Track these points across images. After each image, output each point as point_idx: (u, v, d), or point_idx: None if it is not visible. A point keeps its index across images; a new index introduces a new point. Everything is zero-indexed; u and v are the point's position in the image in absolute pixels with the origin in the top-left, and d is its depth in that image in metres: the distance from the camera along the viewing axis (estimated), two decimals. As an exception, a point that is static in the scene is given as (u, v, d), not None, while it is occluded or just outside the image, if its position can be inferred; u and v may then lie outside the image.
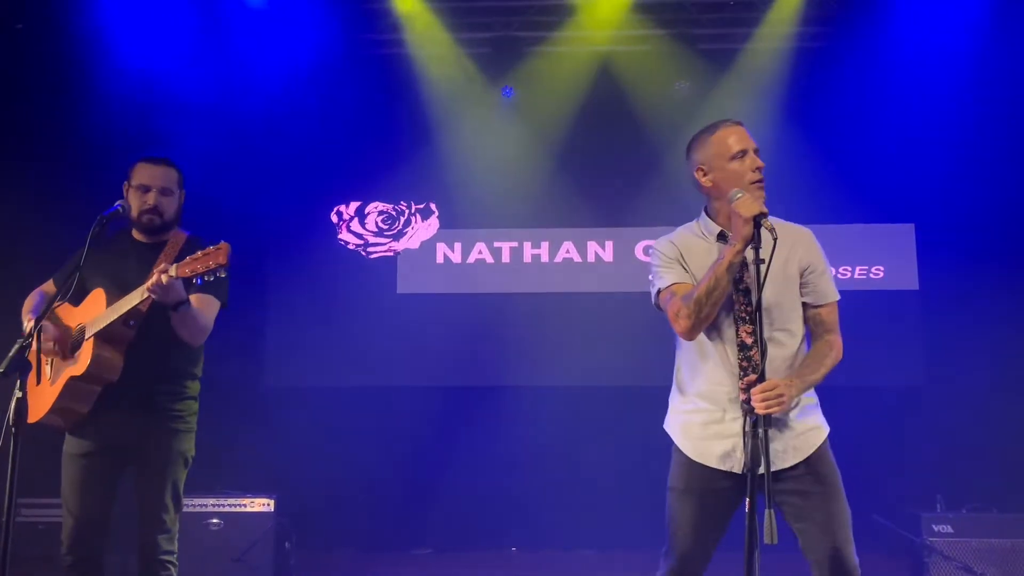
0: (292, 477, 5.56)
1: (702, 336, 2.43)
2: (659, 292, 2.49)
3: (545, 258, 6.41)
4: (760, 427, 2.17)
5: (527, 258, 6.42)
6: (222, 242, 2.66)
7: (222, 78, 5.92)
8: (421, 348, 6.17)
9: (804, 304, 2.50)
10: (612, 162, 6.25)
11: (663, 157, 5.97)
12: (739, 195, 2.32)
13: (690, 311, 2.35)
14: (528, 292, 6.33)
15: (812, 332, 2.52)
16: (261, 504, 5.05)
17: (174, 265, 2.71)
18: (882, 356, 5.94)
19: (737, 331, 2.40)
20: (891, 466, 5.53)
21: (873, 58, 5.80)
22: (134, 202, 2.99)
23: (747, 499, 2.17)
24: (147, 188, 2.98)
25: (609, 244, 6.38)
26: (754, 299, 2.30)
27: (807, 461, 2.38)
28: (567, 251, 6.41)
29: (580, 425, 5.83)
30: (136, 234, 3.05)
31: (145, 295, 2.74)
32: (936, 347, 5.97)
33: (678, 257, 2.50)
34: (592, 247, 6.39)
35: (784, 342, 2.46)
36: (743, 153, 2.43)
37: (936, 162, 5.80)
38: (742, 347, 2.38)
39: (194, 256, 2.68)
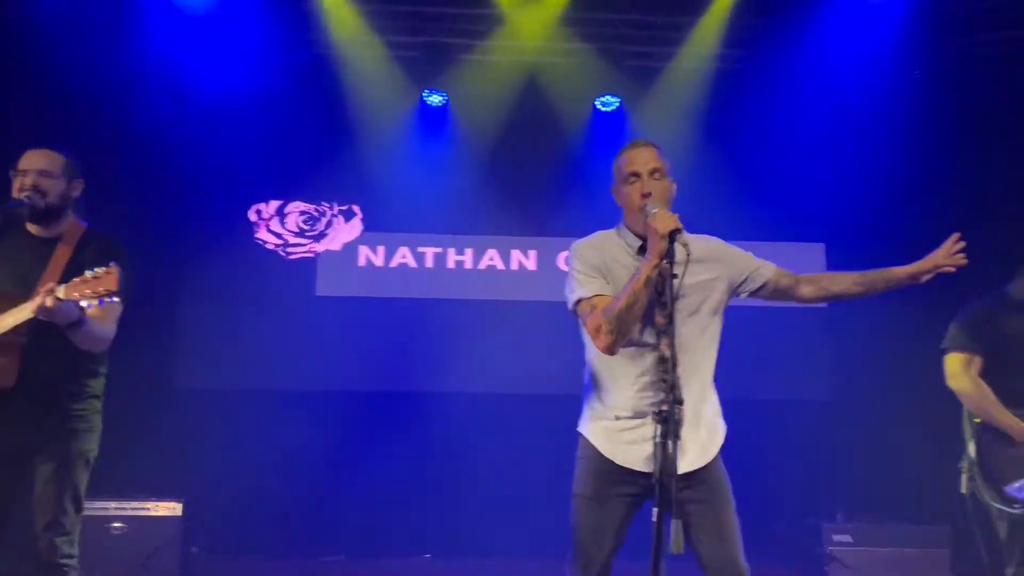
0: (201, 480, 5.41)
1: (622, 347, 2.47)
2: (579, 301, 2.52)
3: (469, 264, 6.43)
4: (669, 437, 2.21)
5: (451, 264, 6.42)
6: (112, 265, 2.58)
7: (141, 73, 5.75)
8: (339, 352, 6.10)
9: (764, 287, 2.63)
10: (538, 171, 6.31)
11: (588, 168, 6.06)
12: (654, 210, 2.38)
13: (611, 327, 2.37)
14: (451, 298, 6.34)
15: (793, 287, 2.67)
16: (167, 508, 4.91)
17: (62, 287, 2.61)
18: (790, 371, 6.15)
19: (657, 344, 2.44)
20: (796, 477, 5.70)
21: (790, 83, 5.99)
22: (15, 188, 2.89)
23: (655, 508, 2.22)
24: (25, 172, 2.90)
25: (532, 253, 6.44)
26: (668, 313, 2.36)
27: (704, 468, 2.46)
28: (491, 259, 6.44)
29: (498, 432, 5.85)
30: (31, 227, 2.95)
31: (33, 313, 2.65)
32: (842, 364, 6.21)
33: (600, 266, 2.53)
34: (516, 255, 6.44)
35: (702, 352, 2.54)
36: (636, 176, 2.51)
37: (847, 185, 6.03)
38: (661, 360, 2.41)
39: (83, 278, 2.59)
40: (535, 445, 5.47)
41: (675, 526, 2.13)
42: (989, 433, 3.38)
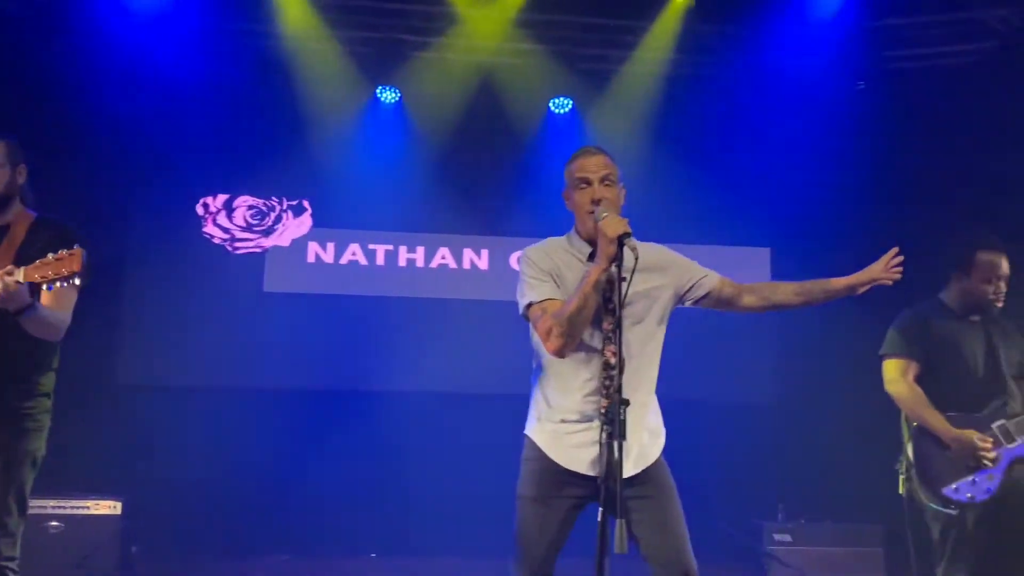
0: (143, 478, 5.33)
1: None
2: (530, 305, 2.53)
3: (420, 263, 6.41)
4: (616, 438, 2.24)
5: (402, 262, 6.39)
6: (76, 247, 2.53)
7: (87, 61, 5.61)
8: (286, 349, 6.04)
9: (707, 296, 2.65)
10: (491, 171, 6.32)
11: (541, 169, 6.08)
12: (604, 214, 2.41)
13: (562, 330, 2.40)
14: (401, 296, 6.31)
15: (736, 297, 2.67)
16: (107, 506, 4.82)
17: (21, 269, 2.54)
18: (736, 373, 6.26)
19: (603, 349, 2.46)
20: (740, 477, 5.81)
21: (739, 90, 6.11)
22: None
23: (600, 508, 2.24)
24: None
25: (485, 252, 6.45)
26: (616, 318, 2.38)
27: (646, 471, 2.50)
28: (443, 257, 6.42)
29: (445, 431, 5.85)
30: None
31: None
32: (787, 367, 6.34)
33: (551, 270, 2.55)
34: (468, 254, 6.44)
35: (647, 359, 2.57)
36: (587, 183, 2.54)
37: (793, 192, 6.15)
38: (605, 366, 2.45)
39: (45, 260, 2.52)
40: (482, 444, 5.46)
41: (619, 525, 2.16)
42: (927, 436, 3.46)
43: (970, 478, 3.37)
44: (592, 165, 2.56)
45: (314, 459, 5.73)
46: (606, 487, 2.24)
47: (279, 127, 6.09)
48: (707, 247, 6.28)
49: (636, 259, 2.30)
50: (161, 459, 5.49)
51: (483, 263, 6.44)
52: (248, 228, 6.21)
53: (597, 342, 2.48)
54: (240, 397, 5.88)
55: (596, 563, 2.22)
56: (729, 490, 5.69)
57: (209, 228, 6.17)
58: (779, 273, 6.34)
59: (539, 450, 2.55)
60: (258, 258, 6.21)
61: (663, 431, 2.62)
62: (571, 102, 6.39)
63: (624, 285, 2.31)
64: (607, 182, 2.54)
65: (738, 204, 6.24)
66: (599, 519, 2.22)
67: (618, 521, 2.16)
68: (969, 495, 3.36)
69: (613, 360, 2.40)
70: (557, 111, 6.42)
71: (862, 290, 2.69)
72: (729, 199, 6.22)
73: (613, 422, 2.24)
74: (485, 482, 5.25)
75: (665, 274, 2.63)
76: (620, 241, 2.33)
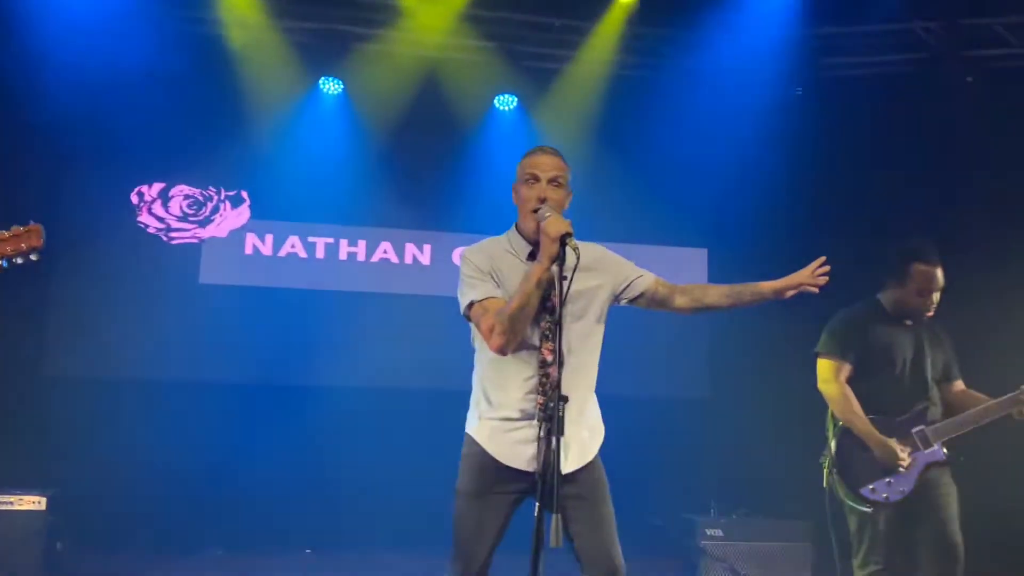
0: (69, 473, 5.17)
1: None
2: (471, 304, 2.55)
3: (361, 256, 6.35)
4: (554, 435, 2.27)
5: (343, 255, 6.33)
6: (32, 223, 2.50)
7: (18, 41, 5.43)
8: (221, 342, 5.94)
9: (642, 295, 2.68)
10: (435, 166, 6.30)
11: (485, 165, 6.09)
12: (548, 214, 2.45)
13: (504, 328, 2.43)
14: (341, 290, 6.25)
15: (669, 297, 2.71)
16: (32, 501, 4.67)
17: None
18: (670, 369, 6.37)
19: (540, 347, 2.49)
20: (673, 473, 5.91)
21: (680, 93, 6.17)
22: None
23: (537, 503, 2.27)
24: None
25: (427, 247, 6.42)
26: (557, 315, 2.42)
27: (584, 468, 2.54)
28: (384, 251, 6.38)
29: (382, 426, 5.83)
30: None
31: None
32: (720, 363, 6.47)
33: (490, 270, 2.57)
34: (410, 249, 6.41)
35: (586, 357, 2.60)
36: (535, 179, 2.58)
37: (730, 195, 6.28)
38: (542, 364, 2.48)
39: (1, 236, 2.47)
40: (420, 439, 5.46)
41: (555, 521, 2.19)
42: (850, 436, 3.57)
43: (886, 479, 3.49)
44: (544, 164, 2.60)
45: (248, 454, 5.65)
46: (543, 482, 2.27)
47: (218, 115, 5.97)
48: (646, 247, 6.38)
49: (578, 259, 2.34)
50: (88, 453, 5.34)
51: (425, 258, 6.42)
52: (184, 218, 6.08)
53: (538, 340, 2.51)
54: (172, 391, 5.77)
55: (531, 557, 2.24)
56: (662, 485, 5.79)
57: (144, 217, 6.02)
58: (716, 274, 6.47)
59: (478, 446, 2.56)
60: (194, 249, 6.09)
61: (602, 428, 2.65)
62: (516, 99, 6.42)
63: (565, 284, 2.34)
64: (555, 183, 2.58)
65: (676, 205, 6.34)
66: (535, 514, 2.25)
67: (554, 516, 2.19)
68: (884, 495, 3.48)
69: (549, 358, 2.44)
70: (502, 108, 6.43)
71: (789, 294, 2.75)
72: (668, 200, 6.31)
73: (552, 418, 2.27)
74: (423, 477, 5.25)
75: (603, 273, 2.67)
76: (562, 241, 2.36)
